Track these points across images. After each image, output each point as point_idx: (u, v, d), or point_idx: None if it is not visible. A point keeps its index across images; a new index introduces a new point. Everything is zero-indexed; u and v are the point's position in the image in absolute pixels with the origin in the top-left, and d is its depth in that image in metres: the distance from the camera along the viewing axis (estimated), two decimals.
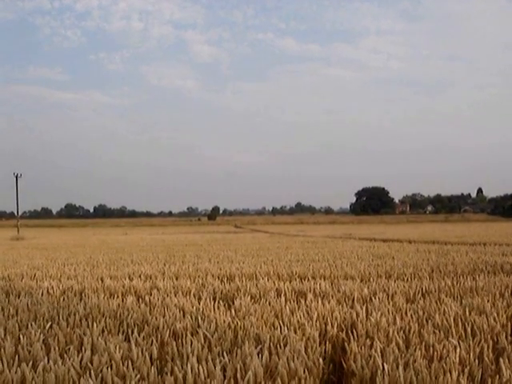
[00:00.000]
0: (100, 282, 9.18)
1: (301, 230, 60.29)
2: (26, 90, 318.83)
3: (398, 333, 4.76)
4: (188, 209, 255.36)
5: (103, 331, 5.12)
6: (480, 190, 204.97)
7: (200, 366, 3.69)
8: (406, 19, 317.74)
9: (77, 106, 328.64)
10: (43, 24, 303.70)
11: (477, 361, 3.98)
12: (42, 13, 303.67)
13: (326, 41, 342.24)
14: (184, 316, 5.65)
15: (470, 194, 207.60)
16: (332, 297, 7.04)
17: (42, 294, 7.77)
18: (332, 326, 5.18)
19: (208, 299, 6.72)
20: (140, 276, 10.45)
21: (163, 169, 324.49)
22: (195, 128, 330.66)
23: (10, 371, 3.77)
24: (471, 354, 4.05)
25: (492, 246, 18.71)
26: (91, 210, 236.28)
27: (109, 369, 3.76)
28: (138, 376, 3.74)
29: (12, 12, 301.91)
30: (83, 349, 4.39)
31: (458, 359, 3.94)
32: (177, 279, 9.55)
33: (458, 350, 4.09)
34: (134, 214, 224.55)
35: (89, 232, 72.30)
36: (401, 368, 3.67)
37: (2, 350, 4.38)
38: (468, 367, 3.85)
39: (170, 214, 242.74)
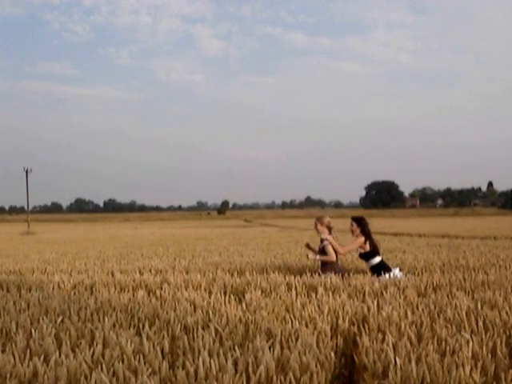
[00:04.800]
0: (110, 276, 9.21)
1: (310, 224, 60.20)
2: (35, 85, 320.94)
3: (409, 327, 4.73)
4: (197, 203, 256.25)
5: (114, 325, 5.12)
6: (490, 184, 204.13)
7: (211, 360, 3.68)
8: (415, 12, 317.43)
9: (86, 100, 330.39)
10: (52, 19, 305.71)
11: (490, 355, 3.95)
12: (50, 8, 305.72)
13: (334, 34, 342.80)
14: (195, 310, 5.65)
15: (480, 188, 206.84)
16: (343, 291, 7.02)
17: (53, 289, 7.79)
18: (343, 320, 5.17)
19: (219, 293, 6.71)
20: (150, 270, 10.48)
21: (172, 163, 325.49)
22: (205, 122, 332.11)
23: (22, 365, 3.78)
24: (484, 349, 4.02)
25: (503, 239, 18.64)
26: (101, 205, 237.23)
27: (120, 363, 3.76)
28: (150, 370, 3.74)
29: (21, 7, 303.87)
30: (95, 343, 4.39)
31: (470, 354, 3.91)
32: (187, 273, 9.55)
33: (470, 344, 4.06)
34: (143, 209, 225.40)
35: (99, 226, 72.53)
36: (413, 362, 3.64)
37: (14, 344, 4.39)
38: (481, 362, 3.82)
39: (180, 208, 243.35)
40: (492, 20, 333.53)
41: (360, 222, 9.18)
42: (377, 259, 8.98)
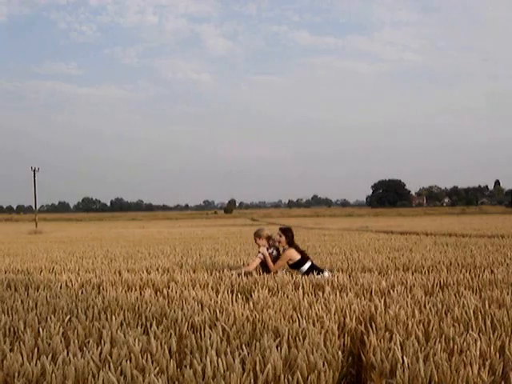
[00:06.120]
0: (118, 275, 9.22)
1: (317, 222, 60.16)
2: (41, 85, 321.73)
3: (417, 326, 4.72)
4: (204, 202, 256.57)
5: (122, 324, 5.13)
6: (497, 182, 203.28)
7: (219, 359, 3.69)
8: (421, 10, 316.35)
9: (92, 100, 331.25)
10: (58, 19, 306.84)
11: (498, 354, 3.94)
12: (57, 8, 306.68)
13: (340, 33, 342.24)
14: (202, 309, 5.66)
15: (487, 187, 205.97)
16: (350, 289, 7.01)
17: (61, 288, 7.81)
18: (350, 319, 5.16)
19: (226, 292, 6.72)
20: (157, 269, 10.50)
21: (179, 162, 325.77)
22: (211, 121, 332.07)
23: (30, 364, 3.79)
24: (492, 348, 4.01)
25: (510, 238, 18.56)
26: (108, 204, 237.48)
27: (128, 362, 3.76)
28: (157, 369, 3.75)
29: (28, 7, 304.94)
30: (102, 342, 4.40)
31: (478, 353, 3.90)
32: (194, 272, 9.56)
33: (478, 343, 4.05)
34: (150, 208, 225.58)
35: (106, 225, 72.67)
36: (421, 361, 3.63)
37: (22, 342, 4.40)
38: (489, 361, 3.81)
39: (187, 207, 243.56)
40: (498, 18, 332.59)
41: (287, 234, 9.34)
42: (307, 265, 9.06)
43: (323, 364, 3.79)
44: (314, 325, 4.89)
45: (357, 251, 13.96)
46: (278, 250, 9.43)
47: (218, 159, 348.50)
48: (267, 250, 9.33)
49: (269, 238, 9.45)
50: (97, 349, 4.11)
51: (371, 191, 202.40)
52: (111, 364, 3.74)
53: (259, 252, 9.31)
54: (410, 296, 6.30)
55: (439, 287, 7.28)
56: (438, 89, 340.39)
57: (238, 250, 15.55)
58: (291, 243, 9.25)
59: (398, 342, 4.14)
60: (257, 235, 9.54)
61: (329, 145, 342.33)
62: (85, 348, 4.27)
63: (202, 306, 5.86)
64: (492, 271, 8.68)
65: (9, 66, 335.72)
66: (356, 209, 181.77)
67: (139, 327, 5.03)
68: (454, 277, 7.89)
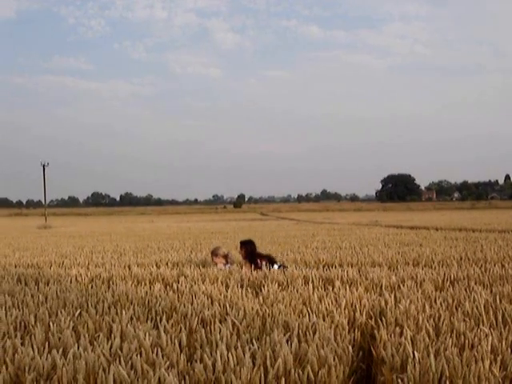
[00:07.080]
0: (127, 269, 9.24)
1: (326, 217, 60.09)
2: (51, 80, 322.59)
3: (427, 320, 4.71)
4: (213, 197, 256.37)
5: (132, 318, 5.14)
6: (508, 177, 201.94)
7: (229, 354, 3.69)
8: (430, 3, 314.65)
9: (101, 94, 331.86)
10: (67, 14, 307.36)
11: (509, 349, 3.92)
12: (65, 3, 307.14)
13: (350, 27, 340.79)
14: (212, 303, 5.66)
15: (497, 181, 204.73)
16: (360, 284, 7.00)
17: (71, 282, 7.84)
18: (361, 314, 5.16)
19: (236, 286, 6.72)
20: (167, 263, 10.52)
21: (188, 156, 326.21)
22: (220, 116, 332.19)
23: (40, 358, 3.80)
24: (503, 343, 3.99)
25: None
26: (117, 199, 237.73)
27: (138, 356, 3.77)
28: (168, 363, 3.75)
29: (36, 2, 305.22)
30: (112, 336, 4.41)
31: (489, 348, 3.88)
32: (204, 267, 9.57)
33: (489, 338, 4.03)
34: (159, 202, 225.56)
35: (115, 220, 72.84)
36: (432, 356, 3.62)
37: (33, 336, 4.42)
38: (500, 356, 3.79)
39: (196, 201, 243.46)
40: (508, 11, 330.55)
41: (246, 246, 9.74)
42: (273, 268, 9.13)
43: (333, 358, 3.79)
44: (324, 319, 4.89)
45: (366, 246, 13.94)
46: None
47: (227, 154, 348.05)
48: (224, 266, 9.59)
49: (226, 256, 9.83)
50: (107, 343, 4.13)
51: (381, 186, 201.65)
52: (121, 358, 3.75)
53: (218, 269, 9.43)
54: (420, 291, 6.28)
55: (449, 282, 7.25)
56: (448, 82, 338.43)
57: None
58: (252, 255, 9.51)
59: (409, 337, 4.13)
60: (214, 254, 9.92)
61: (338, 139, 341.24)
62: (95, 342, 4.28)
63: (211, 300, 5.87)
64: (503, 266, 8.64)
65: (18, 61, 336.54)
66: (365, 203, 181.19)
67: (149, 321, 5.04)
68: (464, 272, 7.86)
